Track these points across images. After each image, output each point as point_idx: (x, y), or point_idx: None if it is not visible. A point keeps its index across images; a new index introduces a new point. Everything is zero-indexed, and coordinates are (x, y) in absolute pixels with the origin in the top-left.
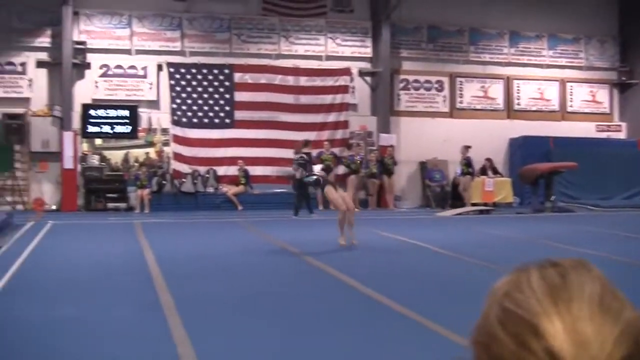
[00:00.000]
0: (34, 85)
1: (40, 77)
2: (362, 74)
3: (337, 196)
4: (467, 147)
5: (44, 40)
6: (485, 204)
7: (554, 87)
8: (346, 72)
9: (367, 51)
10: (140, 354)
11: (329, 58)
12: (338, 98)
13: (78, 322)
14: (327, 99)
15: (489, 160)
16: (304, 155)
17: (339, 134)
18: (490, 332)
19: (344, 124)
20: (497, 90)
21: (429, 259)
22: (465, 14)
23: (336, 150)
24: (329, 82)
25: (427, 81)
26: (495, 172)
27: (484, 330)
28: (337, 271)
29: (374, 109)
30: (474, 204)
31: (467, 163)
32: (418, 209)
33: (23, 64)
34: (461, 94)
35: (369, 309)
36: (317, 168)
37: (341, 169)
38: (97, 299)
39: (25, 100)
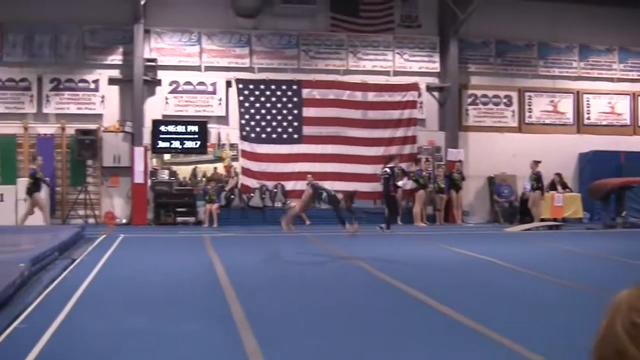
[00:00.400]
0: (106, 102)
1: (112, 94)
2: (429, 89)
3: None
4: (537, 162)
5: (116, 58)
6: (554, 220)
7: (625, 101)
8: (414, 87)
9: (435, 66)
10: None
11: (397, 73)
12: (406, 113)
13: (150, 334)
14: (395, 114)
15: (558, 175)
16: (388, 170)
17: (407, 149)
18: (619, 348)
19: (412, 139)
20: (566, 105)
21: (497, 273)
22: (534, 28)
23: (404, 165)
24: (397, 97)
25: (496, 96)
26: (565, 187)
27: (610, 345)
28: (405, 285)
29: (442, 124)
30: (542, 220)
31: (537, 178)
32: (486, 224)
33: (96, 81)
34: (530, 108)
35: (439, 321)
36: (404, 182)
37: (409, 184)
38: (169, 310)
39: (98, 117)
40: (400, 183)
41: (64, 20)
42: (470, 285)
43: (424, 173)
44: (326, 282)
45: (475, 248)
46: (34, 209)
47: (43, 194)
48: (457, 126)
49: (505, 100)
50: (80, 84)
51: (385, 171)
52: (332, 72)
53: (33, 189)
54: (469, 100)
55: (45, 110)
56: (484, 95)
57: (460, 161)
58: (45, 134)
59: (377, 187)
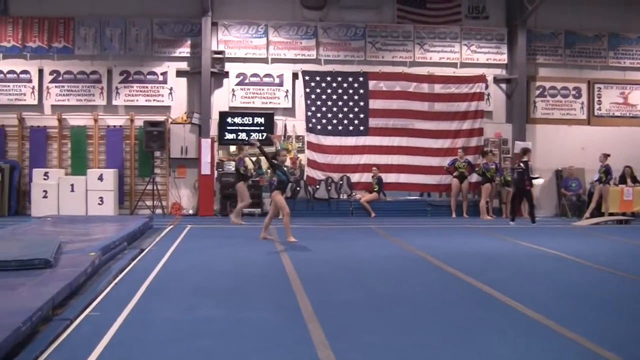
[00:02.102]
0: (173, 94)
1: (180, 86)
2: (497, 81)
3: (283, 200)
4: (606, 155)
5: (184, 51)
6: (623, 214)
7: None
8: (481, 79)
9: (503, 58)
10: (281, 357)
11: (464, 65)
12: (473, 105)
13: (219, 324)
14: (462, 106)
15: (629, 167)
16: (522, 164)
17: (474, 142)
18: None
19: (479, 132)
20: (637, 97)
21: (565, 268)
22: (604, 19)
23: (470, 158)
24: (464, 89)
25: (564, 88)
26: (635, 180)
27: None
28: (471, 278)
29: (509, 117)
30: (611, 214)
31: (606, 171)
32: (553, 218)
33: (164, 74)
34: (599, 100)
35: (507, 316)
36: (538, 181)
37: (475, 177)
38: (237, 301)
39: (166, 109)
40: (455, 173)
41: (134, 13)
42: (537, 278)
43: (490, 166)
44: (394, 276)
45: (543, 242)
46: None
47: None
48: (524, 118)
49: (574, 92)
50: (149, 76)
51: (520, 166)
52: (398, 63)
53: (240, 178)
54: (537, 92)
55: (114, 102)
56: (552, 87)
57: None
58: (114, 126)
59: (443, 179)
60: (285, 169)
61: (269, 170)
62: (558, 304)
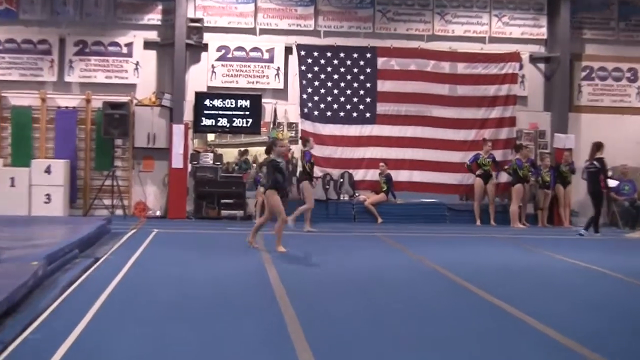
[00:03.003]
0: (140, 70)
1: (148, 60)
2: (534, 59)
3: (280, 203)
4: None
5: (154, 17)
6: None
7: None
8: (515, 57)
9: (541, 32)
10: None
11: (494, 40)
12: (504, 89)
13: (191, 349)
14: (490, 90)
15: None
16: (595, 163)
17: (504, 133)
18: None
19: (511, 121)
20: None
21: (613, 289)
22: None
23: (499, 153)
24: (493, 69)
25: (617, 69)
26: None
27: None
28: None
29: (547, 103)
30: None
31: None
32: (600, 228)
33: (129, 45)
34: None
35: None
36: (612, 183)
37: (504, 177)
38: (215, 319)
39: (130, 87)
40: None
41: None
42: (578, 301)
43: (524, 163)
44: (398, 288)
45: (586, 256)
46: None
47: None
48: (566, 106)
49: (628, 75)
50: (111, 48)
51: (593, 164)
52: (414, 37)
53: (305, 175)
54: (583, 74)
55: (67, 79)
56: (602, 68)
57: (569, 149)
58: (66, 107)
59: (464, 179)
60: (282, 165)
61: (254, 165)
62: (600, 331)
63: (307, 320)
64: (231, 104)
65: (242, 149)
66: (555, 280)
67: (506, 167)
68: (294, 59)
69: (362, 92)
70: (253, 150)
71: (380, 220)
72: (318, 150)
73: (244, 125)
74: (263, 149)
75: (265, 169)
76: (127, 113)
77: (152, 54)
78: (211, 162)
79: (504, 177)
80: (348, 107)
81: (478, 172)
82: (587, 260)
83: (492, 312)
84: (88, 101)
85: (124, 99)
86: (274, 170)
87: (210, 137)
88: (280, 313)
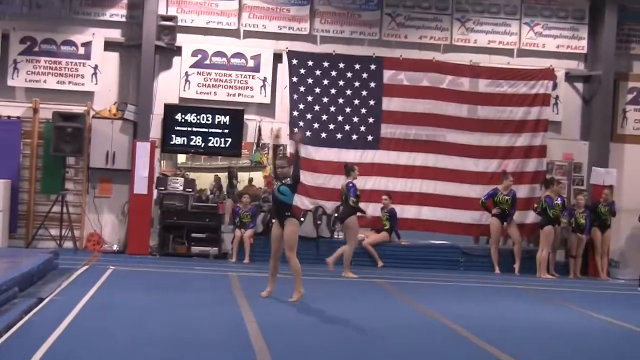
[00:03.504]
0: (99, 75)
1: (109, 64)
2: (570, 78)
3: None
4: None
5: (117, 13)
6: None
7: None
8: (548, 74)
9: (581, 45)
10: None
11: (523, 53)
12: (533, 112)
13: None
14: (518, 112)
15: None
16: None
17: (532, 165)
18: None
19: (540, 151)
20: None
21: None
22: None
23: (525, 188)
24: (522, 88)
25: None
26: None
27: None
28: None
29: (585, 131)
30: None
31: None
32: None
33: (86, 45)
34: None
35: None
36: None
37: (530, 217)
38: None
39: (87, 96)
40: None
41: None
42: None
43: (555, 201)
44: (403, 350)
45: (628, 316)
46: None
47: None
48: (608, 135)
49: None
50: (64, 48)
51: None
52: (428, 47)
53: (351, 210)
54: (629, 96)
55: (10, 83)
56: None
57: (610, 186)
58: (8, 117)
59: (485, 218)
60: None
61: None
62: None
63: None
64: (207, 120)
65: (232, 168)
66: (590, 343)
67: (535, 205)
68: (284, 68)
69: (364, 110)
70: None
71: (381, 264)
72: (310, 178)
73: (222, 145)
74: (246, 175)
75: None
76: (81, 126)
77: (114, 57)
78: (181, 188)
79: (530, 217)
80: (347, 128)
81: (494, 211)
82: (629, 320)
83: None
84: (35, 111)
85: (78, 109)
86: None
87: (181, 158)
88: None
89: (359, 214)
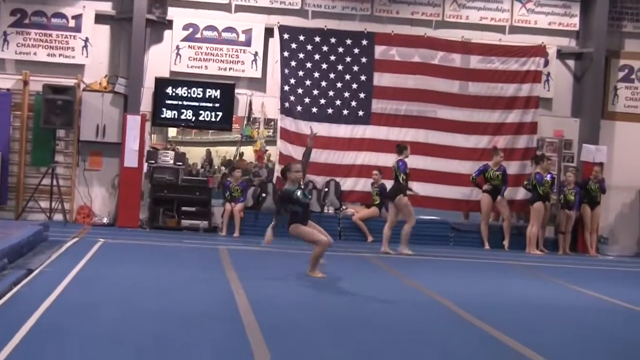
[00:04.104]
0: (90, 48)
1: (100, 37)
2: (562, 55)
3: (311, 231)
4: None
5: None
6: None
7: None
8: (539, 51)
9: (573, 22)
10: None
11: (515, 30)
12: (524, 89)
13: None
14: (509, 89)
15: None
16: None
17: (522, 142)
18: None
19: (531, 127)
20: None
21: None
22: None
23: (516, 164)
24: (513, 65)
25: None
26: None
27: None
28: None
29: (576, 108)
30: None
31: None
32: (634, 258)
33: (77, 17)
34: None
35: None
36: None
37: (520, 194)
38: (166, 353)
39: (77, 68)
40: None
41: None
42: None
43: (545, 178)
44: (393, 327)
45: (615, 291)
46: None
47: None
48: (599, 112)
49: None
50: (55, 20)
51: None
52: (419, 23)
53: (399, 188)
54: (621, 74)
55: (0, 55)
56: None
57: (601, 164)
58: None
59: (475, 194)
60: (300, 191)
61: (222, 168)
62: None
63: (280, 354)
64: (198, 94)
65: (211, 148)
66: (578, 319)
67: (525, 182)
68: (275, 42)
69: (355, 86)
70: (222, 150)
71: (370, 238)
72: (300, 153)
73: (213, 119)
74: (233, 149)
75: (279, 200)
76: (72, 99)
77: (105, 30)
78: (171, 162)
79: (521, 194)
80: (338, 103)
81: (485, 187)
82: (617, 296)
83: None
84: (25, 83)
85: (69, 82)
86: (288, 202)
87: (172, 132)
88: (249, 348)
89: (408, 192)
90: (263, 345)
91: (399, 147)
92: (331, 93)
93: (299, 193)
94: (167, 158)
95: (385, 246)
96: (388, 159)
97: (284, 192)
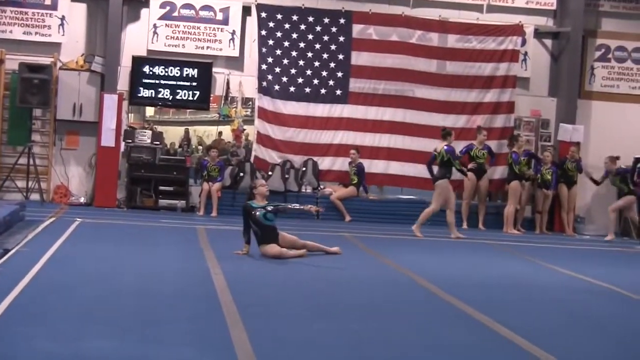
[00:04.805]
0: (66, 26)
1: (77, 15)
2: (539, 34)
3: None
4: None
5: None
6: None
7: None
8: (517, 30)
9: (550, 1)
10: None
11: (493, 9)
12: (502, 68)
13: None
14: (486, 68)
15: None
16: None
17: (500, 121)
18: None
19: (508, 107)
20: None
21: (614, 307)
22: None
23: (493, 144)
24: (491, 44)
25: (639, 49)
26: None
27: None
28: (481, 313)
29: (553, 88)
30: None
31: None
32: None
33: None
34: None
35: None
36: (472, 165)
37: (498, 172)
38: (143, 331)
39: (54, 47)
40: (470, 165)
41: None
42: (583, 324)
43: (521, 157)
44: (372, 306)
45: (590, 270)
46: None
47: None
48: (576, 91)
49: None
50: None
51: None
52: (397, 1)
53: (445, 172)
54: (597, 53)
55: None
56: (621, 48)
57: (577, 143)
58: None
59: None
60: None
61: (199, 147)
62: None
63: (256, 333)
64: (175, 73)
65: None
66: (551, 296)
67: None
68: (252, 21)
69: (332, 65)
70: (200, 130)
71: (348, 218)
72: (278, 132)
73: (190, 98)
74: (212, 128)
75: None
76: (48, 78)
77: (82, 8)
78: (149, 141)
79: (498, 173)
80: (315, 82)
81: (470, 166)
82: (591, 275)
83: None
84: (1, 61)
85: (45, 60)
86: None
87: (150, 111)
88: (225, 324)
89: (460, 176)
90: (240, 324)
91: (444, 132)
92: (309, 72)
93: (258, 213)
94: (145, 137)
95: (453, 232)
96: (366, 138)
97: (245, 206)
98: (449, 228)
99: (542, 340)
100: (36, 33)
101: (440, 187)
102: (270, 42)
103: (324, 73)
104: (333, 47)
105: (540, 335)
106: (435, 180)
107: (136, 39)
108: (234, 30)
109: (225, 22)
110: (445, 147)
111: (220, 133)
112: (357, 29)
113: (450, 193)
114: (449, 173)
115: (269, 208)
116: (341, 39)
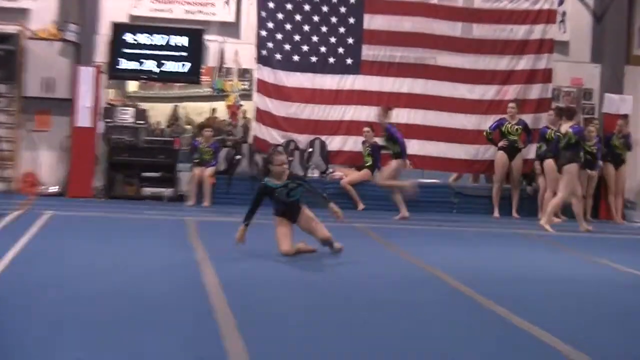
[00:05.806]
0: None
1: None
2: None
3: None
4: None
5: None
6: None
7: None
8: None
9: None
10: None
11: None
12: (537, 31)
13: None
14: (519, 31)
15: None
16: None
17: (535, 92)
18: None
19: (545, 75)
20: None
21: None
22: None
23: (528, 118)
24: (523, 3)
25: None
26: None
27: None
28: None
29: (596, 52)
30: None
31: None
32: None
33: None
34: None
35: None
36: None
37: (532, 150)
38: (122, 343)
39: (21, 13)
40: (501, 143)
41: None
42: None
43: (562, 133)
44: (390, 310)
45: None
46: None
47: None
48: (623, 56)
49: None
50: None
51: None
52: None
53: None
54: None
55: None
56: None
57: (625, 116)
58: None
59: (482, 152)
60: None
61: (189, 127)
62: None
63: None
64: (162, 42)
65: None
66: (603, 297)
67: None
68: None
69: (342, 30)
70: (189, 107)
71: (361, 206)
72: (280, 108)
73: (179, 70)
74: (207, 105)
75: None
76: (14, 49)
77: None
78: (131, 120)
79: (531, 152)
80: (323, 50)
81: (501, 144)
82: None
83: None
84: None
85: (10, 29)
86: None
87: (132, 86)
88: (217, 332)
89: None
90: (235, 332)
91: (570, 112)
92: (315, 38)
93: (278, 194)
94: (126, 116)
95: (581, 224)
96: None
97: (261, 187)
98: (576, 220)
99: (587, 346)
100: None
101: (570, 173)
102: (271, 4)
103: (333, 39)
104: (343, 9)
105: (584, 339)
106: (562, 165)
107: (116, 3)
108: None
109: None
110: (574, 128)
111: (214, 110)
112: None
113: (576, 181)
114: (578, 157)
115: (293, 185)
116: (351, 0)
